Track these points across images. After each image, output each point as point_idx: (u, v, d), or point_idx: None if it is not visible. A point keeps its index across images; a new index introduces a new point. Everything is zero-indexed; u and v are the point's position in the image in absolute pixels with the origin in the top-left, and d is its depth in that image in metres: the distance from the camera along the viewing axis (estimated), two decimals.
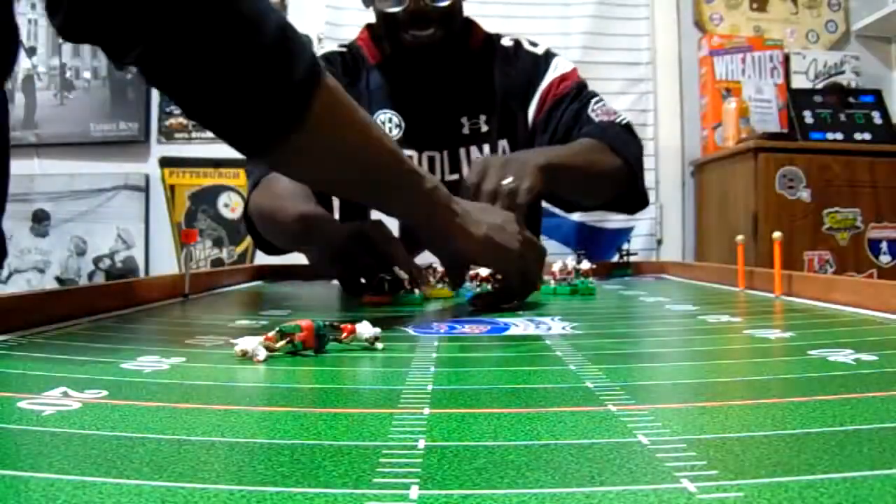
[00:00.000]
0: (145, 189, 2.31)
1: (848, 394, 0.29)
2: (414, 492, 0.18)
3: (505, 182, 0.84)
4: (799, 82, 2.30)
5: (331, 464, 0.20)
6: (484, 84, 1.16)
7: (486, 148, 1.14)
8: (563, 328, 0.51)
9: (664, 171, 2.33)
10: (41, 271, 2.28)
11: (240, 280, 1.03)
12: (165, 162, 2.31)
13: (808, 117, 2.11)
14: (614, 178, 1.04)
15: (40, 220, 2.27)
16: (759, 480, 0.18)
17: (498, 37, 1.20)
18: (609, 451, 0.22)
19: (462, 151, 1.14)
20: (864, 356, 0.37)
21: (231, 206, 2.31)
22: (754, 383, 0.32)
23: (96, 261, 2.31)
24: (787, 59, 2.31)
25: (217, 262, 2.31)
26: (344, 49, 1.18)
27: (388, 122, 1.13)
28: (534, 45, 1.19)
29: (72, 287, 0.60)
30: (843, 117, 2.12)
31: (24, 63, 2.25)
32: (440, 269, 0.79)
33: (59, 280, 2.28)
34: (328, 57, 1.15)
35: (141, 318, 0.59)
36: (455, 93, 1.15)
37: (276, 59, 0.49)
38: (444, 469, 0.20)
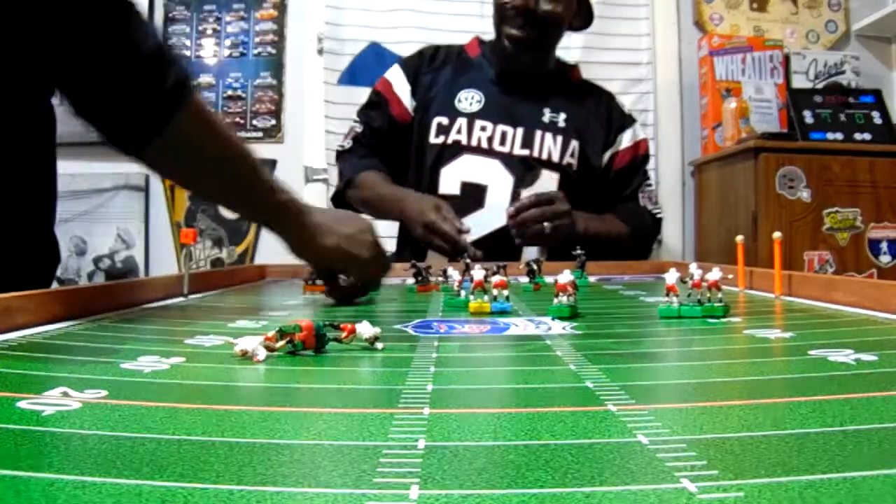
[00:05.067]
0: (145, 189, 2.31)
1: (848, 394, 0.29)
2: (414, 492, 0.18)
3: (554, 223, 1.21)
4: (799, 82, 2.30)
5: (331, 464, 0.20)
6: (573, 98, 1.43)
7: (560, 139, 1.36)
8: (563, 328, 0.51)
9: (664, 171, 2.33)
10: None
11: (240, 280, 1.03)
12: None
13: (808, 117, 2.11)
14: (621, 249, 1.34)
15: None
16: (759, 480, 0.18)
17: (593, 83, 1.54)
18: (609, 451, 0.22)
19: (538, 133, 1.36)
20: (864, 356, 0.37)
21: None
22: (754, 383, 0.32)
23: (96, 261, 2.31)
24: (787, 59, 2.31)
25: (217, 262, 2.31)
26: (442, 45, 1.50)
27: (471, 97, 1.38)
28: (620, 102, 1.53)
29: (72, 287, 0.60)
30: (843, 117, 2.11)
31: None
32: (457, 277, 0.78)
33: (59, 280, 2.28)
34: (423, 51, 1.49)
35: (141, 318, 0.59)
36: (544, 90, 1.40)
37: (150, 71, 0.60)
38: (444, 469, 0.20)
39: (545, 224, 1.20)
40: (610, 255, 1.32)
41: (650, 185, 1.46)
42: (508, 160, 1.33)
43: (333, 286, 0.77)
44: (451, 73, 1.43)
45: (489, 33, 1.49)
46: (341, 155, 1.43)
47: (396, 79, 1.43)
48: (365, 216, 0.80)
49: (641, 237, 1.40)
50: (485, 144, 1.35)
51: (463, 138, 1.36)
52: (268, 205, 0.70)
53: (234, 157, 0.67)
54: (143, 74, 0.60)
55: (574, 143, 1.38)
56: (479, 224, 1.30)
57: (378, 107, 1.41)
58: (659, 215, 1.45)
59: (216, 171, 0.66)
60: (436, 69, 1.44)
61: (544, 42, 1.37)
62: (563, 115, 1.39)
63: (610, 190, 1.42)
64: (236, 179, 0.67)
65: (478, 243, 1.29)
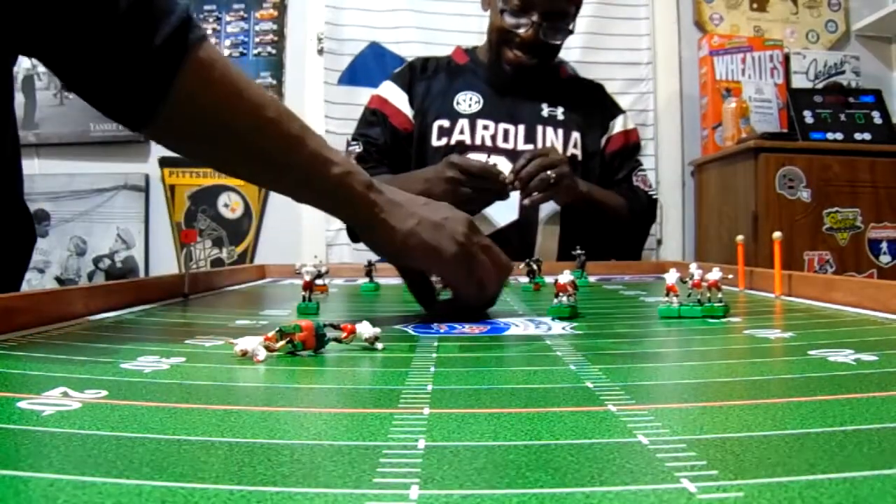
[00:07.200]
0: (145, 189, 2.31)
1: (848, 394, 0.29)
2: (414, 492, 0.18)
3: (556, 171, 1.18)
4: (799, 82, 2.30)
5: (331, 464, 0.20)
6: (567, 92, 1.46)
7: (561, 131, 1.39)
8: (563, 328, 0.51)
9: (664, 171, 2.33)
10: (41, 271, 2.28)
11: (240, 280, 1.03)
12: (165, 162, 2.31)
13: (808, 117, 2.11)
14: (619, 229, 1.37)
15: (40, 220, 2.27)
16: (759, 480, 0.18)
17: (581, 77, 1.61)
18: (609, 451, 0.22)
19: (539, 129, 1.39)
20: (864, 356, 0.37)
21: (231, 206, 2.31)
22: (754, 383, 0.32)
23: (96, 261, 2.30)
24: (787, 59, 2.31)
25: (217, 262, 2.31)
26: (430, 56, 1.52)
27: (469, 99, 1.40)
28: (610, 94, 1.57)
29: (72, 287, 0.60)
30: (843, 117, 2.11)
31: (23, 63, 2.25)
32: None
33: (59, 280, 2.28)
34: (412, 63, 1.50)
35: (141, 318, 0.59)
36: (539, 87, 1.42)
37: (132, 27, 0.49)
38: (444, 469, 0.20)
39: (549, 172, 1.19)
40: (609, 232, 1.34)
41: (643, 170, 1.48)
42: (514, 156, 1.34)
43: (424, 297, 0.62)
44: (445, 78, 1.45)
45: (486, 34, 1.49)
46: None
47: (391, 92, 1.44)
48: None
49: (638, 214, 1.41)
50: (489, 143, 1.37)
51: (466, 138, 1.37)
52: (321, 180, 0.55)
53: (263, 125, 0.54)
54: (123, 33, 0.48)
55: (575, 135, 1.40)
56: (488, 221, 1.31)
57: (376, 124, 1.41)
58: (654, 196, 1.46)
59: (239, 143, 0.54)
60: (428, 77, 1.45)
61: (544, 67, 1.40)
62: (560, 109, 1.41)
63: (604, 173, 1.43)
64: (270, 149, 0.55)
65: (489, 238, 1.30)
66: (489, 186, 1.18)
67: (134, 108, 0.52)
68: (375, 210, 0.56)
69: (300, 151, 0.55)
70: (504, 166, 1.31)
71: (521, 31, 1.31)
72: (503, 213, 1.30)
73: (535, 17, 1.30)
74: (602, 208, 1.32)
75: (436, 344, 0.44)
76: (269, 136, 0.54)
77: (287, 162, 0.55)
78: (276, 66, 2.32)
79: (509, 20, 1.32)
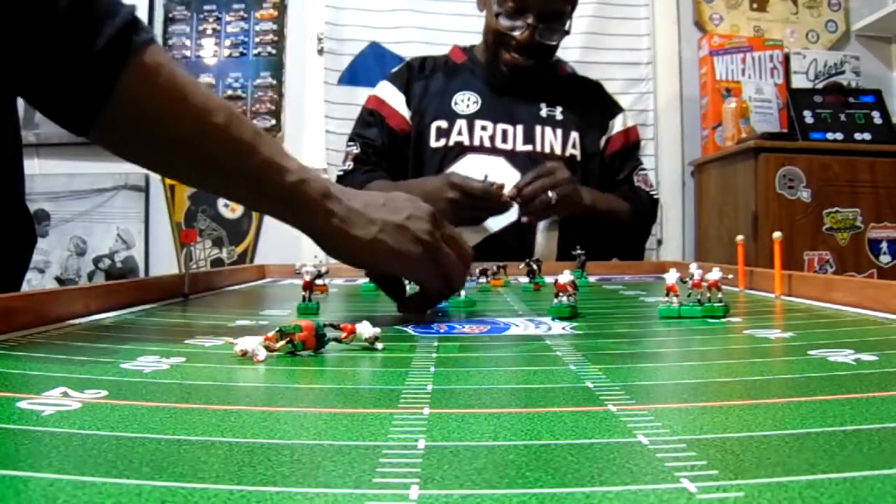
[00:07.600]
0: (145, 189, 2.31)
1: (848, 394, 0.29)
2: (414, 492, 0.18)
3: (559, 191, 1.20)
4: (799, 82, 2.30)
5: (331, 464, 0.20)
6: (565, 91, 1.46)
7: (560, 132, 1.39)
8: (563, 328, 0.51)
9: (664, 171, 2.33)
10: (41, 271, 2.28)
11: (240, 280, 1.03)
12: None
13: (808, 117, 2.11)
14: (622, 231, 1.38)
15: (40, 220, 2.27)
16: (759, 480, 0.18)
17: (579, 75, 1.60)
18: (609, 451, 0.22)
19: (538, 129, 1.38)
20: (864, 356, 0.37)
21: (231, 206, 2.31)
22: (754, 383, 0.32)
23: (96, 261, 2.30)
24: (787, 59, 2.31)
25: (217, 262, 2.31)
26: (428, 56, 1.52)
27: (467, 99, 1.40)
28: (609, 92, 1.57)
29: (72, 287, 0.60)
30: (843, 117, 2.11)
31: None
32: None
33: (59, 280, 2.28)
34: (409, 62, 1.50)
35: (141, 318, 0.59)
36: (536, 88, 1.42)
37: (72, 28, 0.48)
38: (444, 469, 0.20)
39: (550, 194, 1.20)
40: (611, 236, 1.34)
41: (644, 169, 1.48)
42: (513, 157, 1.34)
43: (395, 294, 0.63)
44: (443, 78, 1.44)
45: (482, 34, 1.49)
46: (342, 179, 1.39)
47: (388, 92, 1.44)
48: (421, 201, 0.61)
49: (640, 216, 1.41)
50: (487, 143, 1.37)
51: (465, 139, 1.37)
52: (273, 188, 0.54)
53: (212, 126, 0.52)
54: (63, 35, 0.48)
55: (574, 135, 1.40)
56: (489, 221, 1.31)
57: (374, 124, 1.41)
58: (655, 196, 1.46)
59: (187, 143, 0.53)
60: (426, 77, 1.45)
61: (541, 67, 1.40)
62: (559, 109, 1.41)
63: (605, 174, 1.43)
64: (217, 154, 0.53)
65: (487, 241, 1.30)
66: (490, 206, 1.20)
67: (76, 112, 0.51)
68: (333, 220, 0.55)
69: (251, 158, 0.54)
70: (503, 166, 1.31)
71: (517, 33, 1.31)
72: (499, 216, 1.30)
73: (530, 20, 1.29)
74: (605, 218, 1.32)
75: (436, 344, 0.44)
76: (216, 142, 0.53)
77: (236, 168, 0.54)
78: (276, 66, 2.31)
79: (505, 22, 1.31)
